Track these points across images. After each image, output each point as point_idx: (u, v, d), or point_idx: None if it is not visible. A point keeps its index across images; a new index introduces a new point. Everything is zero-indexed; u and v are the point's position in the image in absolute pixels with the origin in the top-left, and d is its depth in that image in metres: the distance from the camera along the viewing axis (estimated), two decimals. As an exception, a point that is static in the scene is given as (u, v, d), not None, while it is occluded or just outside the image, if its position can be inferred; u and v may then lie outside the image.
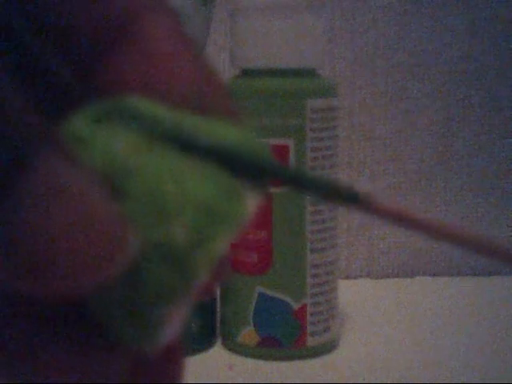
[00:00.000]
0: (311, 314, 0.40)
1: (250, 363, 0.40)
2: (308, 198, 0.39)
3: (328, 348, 0.41)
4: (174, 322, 0.14)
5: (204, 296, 0.16)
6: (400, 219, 0.15)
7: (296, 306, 0.40)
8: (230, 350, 0.41)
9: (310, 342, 0.40)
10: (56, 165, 0.12)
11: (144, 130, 0.14)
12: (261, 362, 0.40)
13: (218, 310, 0.42)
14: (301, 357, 0.40)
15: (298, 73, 0.40)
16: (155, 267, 0.14)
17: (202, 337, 0.42)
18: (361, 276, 0.56)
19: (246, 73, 0.41)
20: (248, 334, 0.40)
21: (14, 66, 0.13)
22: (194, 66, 0.15)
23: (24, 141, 0.12)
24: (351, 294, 0.51)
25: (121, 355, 0.14)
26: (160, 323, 0.14)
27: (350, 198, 0.15)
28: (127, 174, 0.14)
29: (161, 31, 0.15)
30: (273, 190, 0.39)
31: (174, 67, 0.15)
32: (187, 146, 0.14)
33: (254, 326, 0.40)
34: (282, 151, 0.39)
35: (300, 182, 0.15)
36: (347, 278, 0.56)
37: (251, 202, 0.15)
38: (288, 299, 0.40)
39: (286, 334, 0.40)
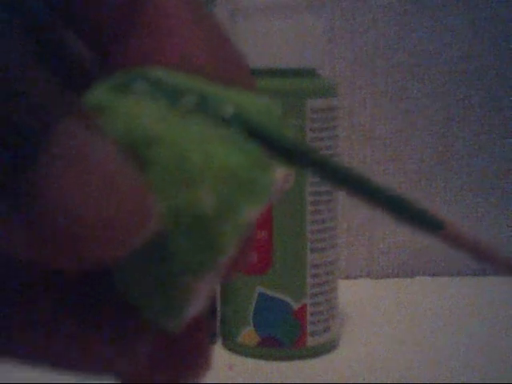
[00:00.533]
0: (311, 314, 0.40)
1: (250, 363, 0.40)
2: (307, 198, 0.39)
3: (328, 348, 0.41)
4: (200, 298, 0.14)
5: (231, 275, 0.15)
6: (476, 251, 0.15)
7: (296, 306, 0.40)
8: (230, 350, 0.41)
9: (310, 342, 0.40)
10: (79, 133, 0.12)
11: (167, 98, 0.14)
12: (261, 362, 0.40)
13: (218, 309, 0.42)
14: (301, 357, 0.40)
15: (298, 73, 0.40)
16: (181, 237, 0.13)
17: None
18: (361, 276, 0.56)
19: (246, 73, 0.41)
20: (248, 334, 0.40)
21: (36, 48, 0.13)
22: (208, 39, 0.15)
23: (47, 109, 0.12)
24: (351, 294, 0.51)
25: (147, 333, 0.14)
26: (186, 297, 0.14)
27: (435, 225, 0.15)
28: (151, 142, 0.13)
29: (174, 5, 0.15)
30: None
31: (189, 44, 0.15)
32: (212, 115, 0.14)
33: (254, 326, 0.40)
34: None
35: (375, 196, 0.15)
36: (347, 278, 0.56)
37: (280, 174, 0.14)
38: (288, 299, 0.40)
39: (286, 333, 0.40)
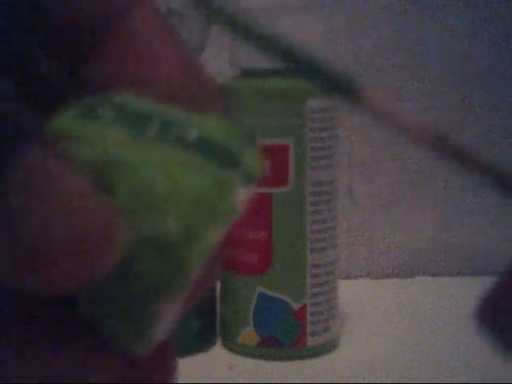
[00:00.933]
0: (311, 314, 0.40)
1: (250, 363, 0.40)
2: (307, 198, 0.39)
3: (328, 348, 0.41)
4: (167, 320, 0.14)
5: (197, 297, 0.16)
6: (388, 118, 0.14)
7: (296, 306, 0.40)
8: (229, 350, 0.41)
9: (310, 342, 0.40)
10: (44, 160, 0.12)
11: (132, 124, 0.14)
12: (261, 362, 0.40)
13: (218, 310, 0.42)
14: (301, 357, 0.40)
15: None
16: (147, 260, 0.13)
17: (202, 337, 0.42)
18: (361, 276, 0.56)
19: (246, 73, 0.41)
20: (248, 334, 0.40)
21: (2, 65, 0.13)
22: (181, 61, 0.16)
23: (14, 137, 0.12)
24: (351, 293, 0.51)
25: (112, 355, 0.14)
26: (153, 320, 0.14)
27: (346, 88, 0.14)
28: (117, 167, 0.14)
29: (147, 28, 0.15)
30: (273, 190, 0.39)
31: (160, 65, 0.15)
32: (176, 140, 0.14)
33: (254, 326, 0.40)
34: (281, 151, 0.39)
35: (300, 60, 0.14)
36: (347, 278, 0.56)
37: (243, 196, 0.15)
38: (288, 299, 0.40)
39: (286, 333, 0.40)
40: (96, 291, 0.14)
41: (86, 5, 0.15)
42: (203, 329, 0.42)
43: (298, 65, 0.14)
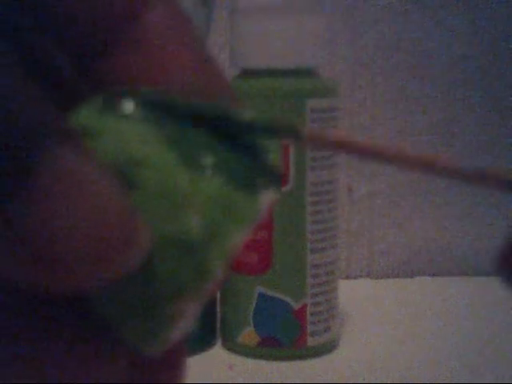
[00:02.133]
0: (311, 314, 0.40)
1: (250, 363, 0.40)
2: (307, 198, 0.39)
3: (328, 348, 0.41)
4: (184, 321, 0.14)
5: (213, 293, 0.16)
6: (342, 146, 0.14)
7: (296, 306, 0.40)
8: (229, 350, 0.41)
9: (310, 342, 0.40)
10: (67, 156, 0.12)
11: (155, 120, 0.14)
12: (261, 362, 0.40)
13: (218, 309, 0.42)
14: (301, 357, 0.40)
15: (297, 73, 0.40)
16: (168, 262, 0.13)
17: (202, 337, 0.42)
18: (361, 276, 0.56)
19: (246, 73, 0.41)
20: (248, 334, 0.40)
21: (19, 63, 0.13)
22: (195, 62, 0.15)
23: (37, 131, 0.12)
24: (351, 293, 0.51)
25: (123, 356, 0.14)
26: (170, 322, 0.14)
27: (290, 132, 0.14)
28: (139, 165, 0.13)
29: (162, 28, 0.15)
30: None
31: (174, 65, 0.15)
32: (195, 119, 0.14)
33: (254, 326, 0.40)
34: (282, 151, 0.39)
35: (236, 122, 0.14)
36: (347, 278, 0.56)
37: (265, 198, 0.14)
38: (288, 299, 0.40)
39: (286, 333, 0.40)
40: (114, 290, 0.14)
41: (100, 4, 0.15)
42: (203, 329, 0.42)
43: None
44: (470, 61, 0.55)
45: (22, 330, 0.13)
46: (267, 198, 0.14)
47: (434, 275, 0.56)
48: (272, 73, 0.39)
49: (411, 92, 0.55)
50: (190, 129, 0.14)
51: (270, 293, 0.40)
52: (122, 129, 0.14)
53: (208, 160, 0.14)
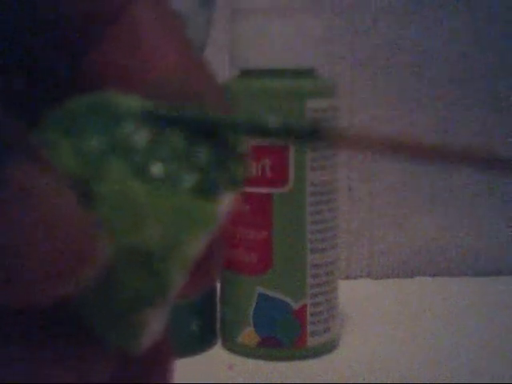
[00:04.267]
0: (311, 314, 0.40)
1: (250, 363, 0.40)
2: (307, 198, 0.39)
3: (328, 348, 0.41)
4: (155, 324, 0.14)
5: (196, 292, 0.16)
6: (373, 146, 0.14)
7: (296, 306, 0.40)
8: (229, 350, 0.41)
9: (310, 342, 0.40)
10: (26, 168, 0.12)
11: (114, 131, 0.14)
12: (261, 362, 0.40)
13: (218, 310, 0.42)
14: (301, 357, 0.40)
15: (297, 73, 0.40)
16: (129, 272, 0.13)
17: (202, 337, 0.42)
18: (361, 276, 0.56)
19: (246, 73, 0.41)
20: (248, 334, 0.40)
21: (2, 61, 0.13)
22: (181, 56, 0.15)
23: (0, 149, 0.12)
24: (351, 293, 0.51)
25: (108, 356, 0.14)
26: (138, 326, 0.14)
27: (312, 134, 0.14)
28: (97, 178, 0.13)
29: (149, 20, 0.15)
30: (273, 190, 0.39)
31: (160, 57, 0.15)
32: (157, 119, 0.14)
33: (254, 326, 0.40)
34: (282, 151, 0.39)
35: (256, 126, 0.14)
36: (347, 278, 0.56)
37: (225, 203, 0.14)
38: (288, 299, 0.40)
39: (286, 334, 0.40)
40: (83, 299, 0.14)
41: None
42: (203, 329, 0.42)
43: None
44: (470, 61, 0.55)
45: (9, 337, 0.13)
46: (228, 201, 0.14)
47: (434, 275, 0.56)
48: (272, 73, 0.39)
49: (411, 92, 0.55)
50: (153, 134, 0.14)
51: (269, 293, 0.40)
52: (84, 139, 0.14)
53: (159, 170, 0.14)
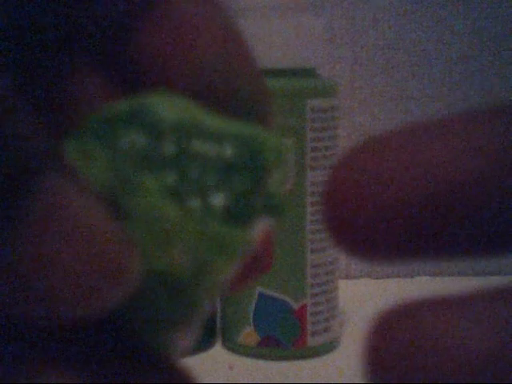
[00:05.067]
0: (311, 314, 0.40)
1: (250, 363, 0.40)
2: (307, 198, 0.39)
3: (328, 348, 0.41)
4: (184, 340, 0.14)
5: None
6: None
7: (296, 306, 0.40)
8: (229, 350, 0.41)
9: (310, 342, 0.40)
10: (58, 183, 0.12)
11: (152, 144, 0.13)
12: (261, 362, 0.40)
13: (218, 310, 0.42)
14: (301, 357, 0.40)
15: (297, 73, 0.40)
16: (159, 293, 0.13)
17: (202, 337, 0.42)
18: (361, 276, 0.56)
19: (246, 73, 0.41)
20: (248, 334, 0.40)
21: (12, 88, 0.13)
22: (222, 36, 0.15)
23: (30, 162, 0.11)
24: (351, 293, 0.51)
25: (159, 362, 0.14)
26: (167, 343, 0.14)
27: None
28: (131, 192, 0.13)
29: (186, 4, 0.15)
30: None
31: (202, 36, 0.15)
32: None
33: (254, 326, 0.40)
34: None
35: None
36: (347, 278, 0.56)
37: (256, 230, 0.14)
38: (288, 299, 0.40)
39: (286, 334, 0.40)
40: (116, 314, 0.13)
41: None
42: (203, 329, 0.42)
43: None
44: (470, 61, 0.55)
45: (57, 358, 0.13)
46: (262, 227, 0.14)
47: (433, 275, 0.56)
48: (272, 73, 0.40)
49: (411, 92, 0.55)
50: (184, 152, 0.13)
51: (269, 293, 0.40)
52: (117, 153, 0.13)
53: (219, 201, 0.13)
